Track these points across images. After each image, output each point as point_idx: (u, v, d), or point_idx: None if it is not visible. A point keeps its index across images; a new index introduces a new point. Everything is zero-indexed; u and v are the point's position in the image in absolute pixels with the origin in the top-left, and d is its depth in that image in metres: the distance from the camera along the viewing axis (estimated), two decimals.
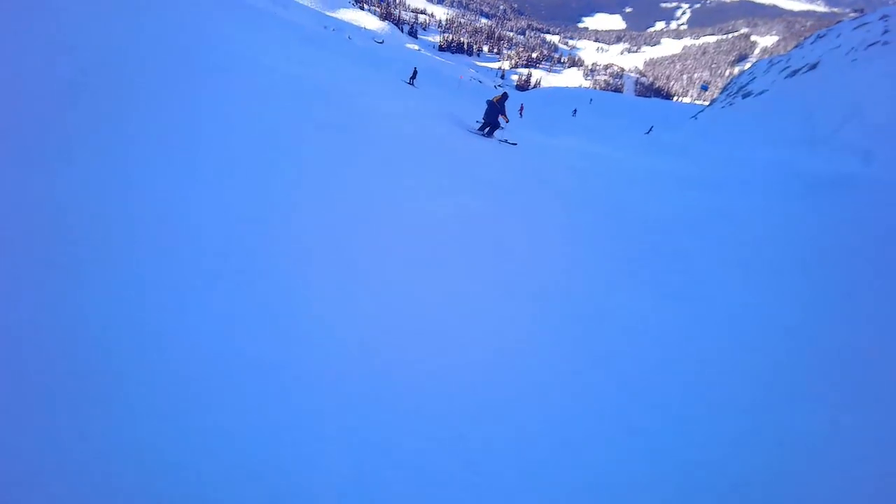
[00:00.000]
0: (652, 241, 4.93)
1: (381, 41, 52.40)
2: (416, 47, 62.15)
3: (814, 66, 19.63)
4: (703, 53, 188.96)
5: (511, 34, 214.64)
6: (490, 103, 8.74)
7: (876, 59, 15.03)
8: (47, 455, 1.41)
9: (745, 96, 25.24)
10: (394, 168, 4.66)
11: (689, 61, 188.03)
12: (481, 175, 5.63)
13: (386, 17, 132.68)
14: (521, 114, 23.05)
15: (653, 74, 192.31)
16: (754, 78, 27.32)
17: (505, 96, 8.80)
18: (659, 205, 6.35)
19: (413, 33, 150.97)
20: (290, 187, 3.39)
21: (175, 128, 3.37)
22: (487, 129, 8.88)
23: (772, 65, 27.13)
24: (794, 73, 21.27)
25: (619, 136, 17.46)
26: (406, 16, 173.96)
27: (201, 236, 2.49)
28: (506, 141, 8.82)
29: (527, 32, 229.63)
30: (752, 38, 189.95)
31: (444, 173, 5.19)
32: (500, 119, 8.84)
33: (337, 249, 2.93)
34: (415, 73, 18.07)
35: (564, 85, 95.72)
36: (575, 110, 33.35)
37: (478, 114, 10.33)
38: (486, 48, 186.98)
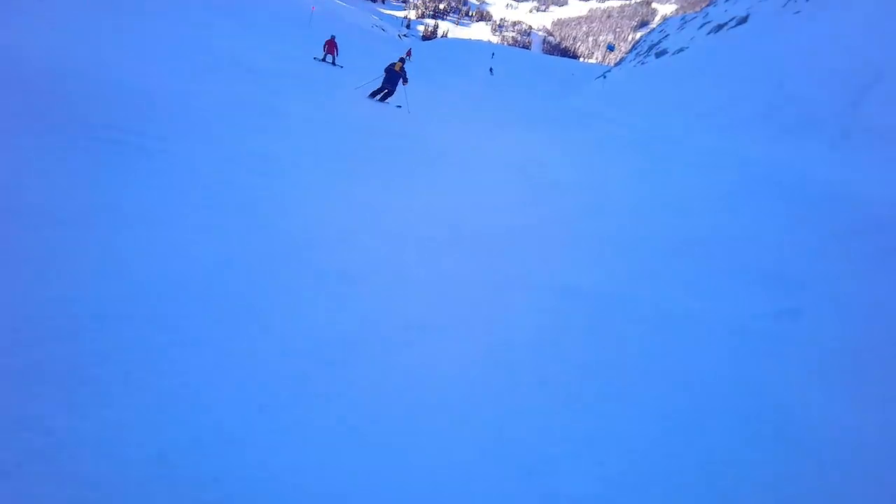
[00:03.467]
0: None
1: None
2: None
3: (744, 20, 18.23)
4: (608, 17, 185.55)
5: None
6: (390, 71, 8.74)
7: (830, 7, 11.80)
8: None
9: (658, 55, 22.85)
10: None
11: (594, 24, 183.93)
12: None
13: None
14: (409, 56, 22.25)
15: (560, 34, 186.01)
16: (667, 35, 25.22)
17: (403, 61, 8.93)
18: None
19: None
20: None
21: None
22: (383, 94, 8.86)
23: (685, 21, 25.23)
24: (719, 28, 19.94)
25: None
26: None
27: None
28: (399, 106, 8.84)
29: None
30: (653, 5, 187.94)
31: None
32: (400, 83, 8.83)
33: None
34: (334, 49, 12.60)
35: (472, 38, 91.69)
36: (491, 69, 30.51)
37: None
38: None
